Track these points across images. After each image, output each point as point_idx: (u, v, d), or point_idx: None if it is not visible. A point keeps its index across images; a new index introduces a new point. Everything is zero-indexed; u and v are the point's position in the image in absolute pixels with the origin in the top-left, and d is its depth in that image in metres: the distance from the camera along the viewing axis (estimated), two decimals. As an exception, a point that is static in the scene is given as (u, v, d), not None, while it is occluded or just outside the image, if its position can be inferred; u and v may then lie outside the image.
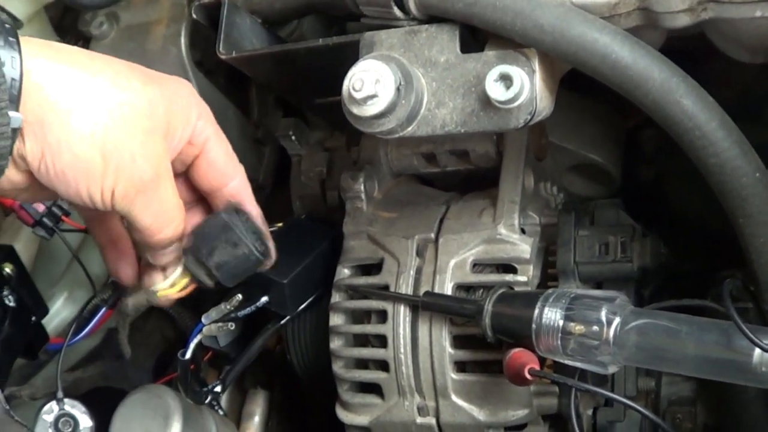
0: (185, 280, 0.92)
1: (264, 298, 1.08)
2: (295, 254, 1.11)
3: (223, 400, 1.28)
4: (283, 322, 1.13)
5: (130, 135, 0.81)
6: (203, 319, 1.02)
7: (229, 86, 1.27)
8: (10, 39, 0.76)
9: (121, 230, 0.94)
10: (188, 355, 1.04)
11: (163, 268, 0.93)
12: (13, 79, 0.75)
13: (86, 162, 0.79)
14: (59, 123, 0.78)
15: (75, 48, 0.84)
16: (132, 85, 0.83)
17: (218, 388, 1.13)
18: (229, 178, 0.94)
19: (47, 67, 0.78)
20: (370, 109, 0.85)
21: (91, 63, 0.82)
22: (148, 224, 0.86)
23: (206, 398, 1.12)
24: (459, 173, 1.13)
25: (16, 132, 0.76)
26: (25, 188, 0.82)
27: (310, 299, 1.12)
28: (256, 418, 1.30)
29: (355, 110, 0.85)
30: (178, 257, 0.92)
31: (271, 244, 0.94)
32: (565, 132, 1.14)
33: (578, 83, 0.93)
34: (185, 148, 0.89)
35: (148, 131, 0.83)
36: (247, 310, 1.08)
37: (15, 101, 0.76)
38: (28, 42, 0.78)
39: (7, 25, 0.77)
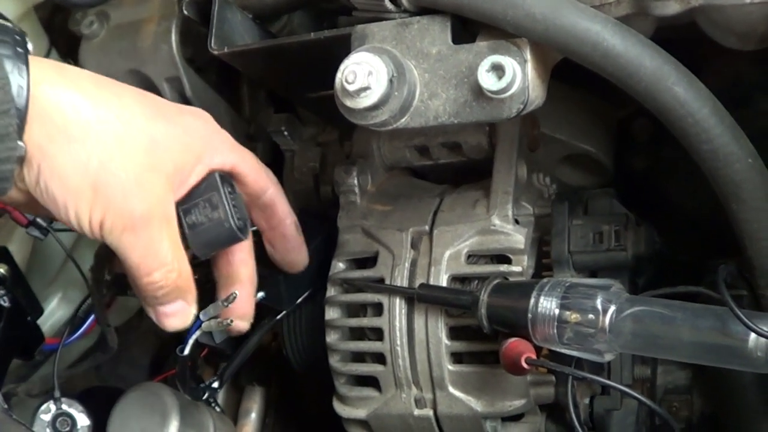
0: None
1: (260, 294, 1.08)
2: (291, 249, 1.11)
3: (220, 397, 1.28)
4: (279, 317, 1.13)
5: (126, 170, 0.81)
6: (201, 316, 1.02)
7: (220, 83, 1.26)
8: (20, 65, 0.76)
9: None
10: (187, 351, 1.05)
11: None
12: (18, 109, 0.75)
13: (76, 192, 0.79)
14: (56, 151, 0.78)
15: (85, 73, 0.83)
16: (135, 120, 0.82)
17: (216, 384, 1.13)
18: (262, 191, 0.95)
19: (52, 94, 0.78)
20: (364, 101, 0.85)
21: (98, 92, 0.82)
22: (135, 263, 0.85)
23: (204, 394, 1.12)
24: (452, 166, 1.12)
25: (21, 158, 0.77)
26: (26, 204, 0.83)
27: (306, 294, 1.12)
28: (253, 415, 1.29)
29: (349, 102, 0.86)
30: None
31: (249, 225, 0.93)
32: (557, 123, 1.14)
33: (569, 74, 0.94)
34: None
35: (147, 168, 0.82)
36: (244, 306, 1.08)
37: (21, 129, 0.76)
38: (36, 65, 0.78)
39: (19, 49, 0.77)
